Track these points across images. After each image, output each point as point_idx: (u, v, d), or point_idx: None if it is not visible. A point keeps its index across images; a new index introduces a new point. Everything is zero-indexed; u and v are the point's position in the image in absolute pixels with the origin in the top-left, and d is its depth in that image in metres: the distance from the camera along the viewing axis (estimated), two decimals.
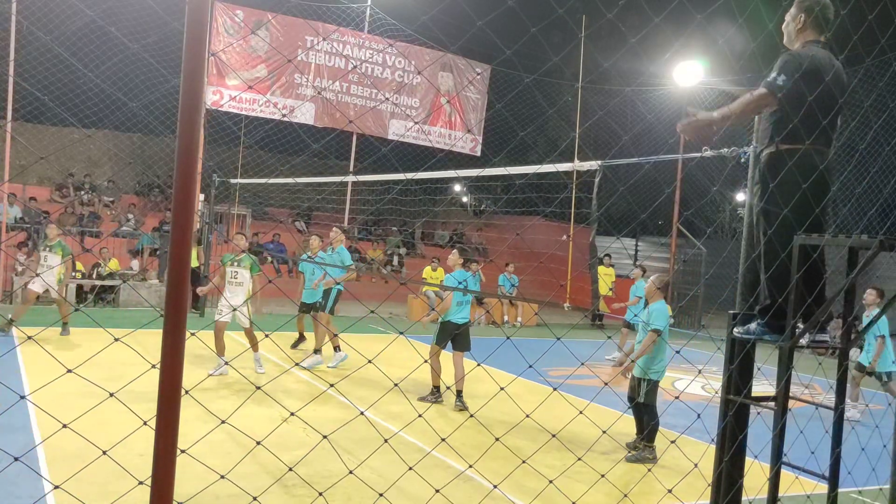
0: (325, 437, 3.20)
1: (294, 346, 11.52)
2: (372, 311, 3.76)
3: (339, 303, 10.61)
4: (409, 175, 14.55)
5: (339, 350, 10.17)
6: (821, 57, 3.61)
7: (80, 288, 15.33)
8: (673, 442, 4.03)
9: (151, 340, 2.12)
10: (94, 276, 15.58)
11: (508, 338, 3.42)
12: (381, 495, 4.06)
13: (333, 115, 17.53)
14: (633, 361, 6.94)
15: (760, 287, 3.81)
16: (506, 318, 17.22)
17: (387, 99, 18.04)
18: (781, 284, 3.50)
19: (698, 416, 3.98)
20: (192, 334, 2.16)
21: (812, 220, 3.49)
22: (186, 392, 2.09)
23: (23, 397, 2.91)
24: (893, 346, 8.64)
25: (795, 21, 3.76)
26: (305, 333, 11.58)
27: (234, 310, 9.02)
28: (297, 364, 9.84)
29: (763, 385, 5.27)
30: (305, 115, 17.24)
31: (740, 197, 23.46)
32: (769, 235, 3.62)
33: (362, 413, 4.11)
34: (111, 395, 2.65)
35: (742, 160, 4.24)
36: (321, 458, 5.57)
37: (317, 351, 10.21)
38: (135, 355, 2.78)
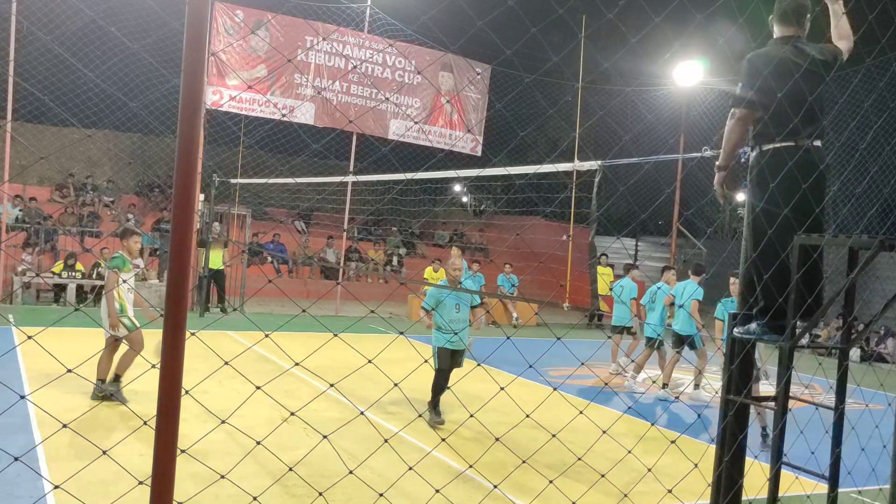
0: (325, 437, 3.20)
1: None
2: (372, 312, 3.76)
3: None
4: (409, 175, 14.52)
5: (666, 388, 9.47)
6: (775, 53, 3.59)
7: (80, 288, 15.32)
8: (673, 442, 4.03)
9: (151, 340, 2.12)
10: (94, 276, 15.57)
11: (508, 337, 3.42)
12: (381, 495, 4.06)
13: (333, 115, 17.52)
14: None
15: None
16: (514, 315, 17.16)
17: (387, 99, 18.01)
18: (756, 284, 3.56)
19: (698, 416, 3.98)
20: (192, 334, 2.16)
21: (783, 218, 3.46)
22: (186, 392, 2.09)
23: (23, 397, 2.91)
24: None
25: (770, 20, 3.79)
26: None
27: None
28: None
29: (763, 385, 5.27)
30: (305, 115, 17.22)
31: (740, 197, 23.42)
32: (745, 235, 3.68)
33: (362, 413, 4.11)
34: (111, 395, 2.65)
35: (742, 159, 4.23)
36: (321, 458, 5.57)
37: (665, 385, 9.53)
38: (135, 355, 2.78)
